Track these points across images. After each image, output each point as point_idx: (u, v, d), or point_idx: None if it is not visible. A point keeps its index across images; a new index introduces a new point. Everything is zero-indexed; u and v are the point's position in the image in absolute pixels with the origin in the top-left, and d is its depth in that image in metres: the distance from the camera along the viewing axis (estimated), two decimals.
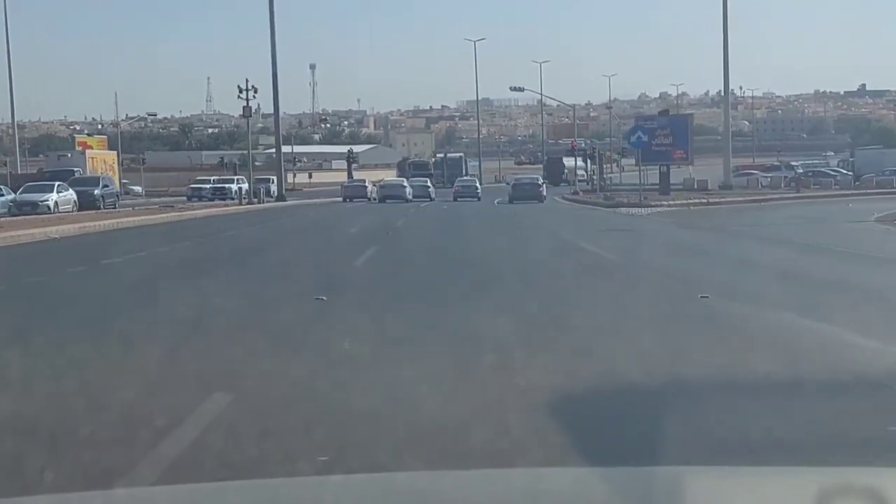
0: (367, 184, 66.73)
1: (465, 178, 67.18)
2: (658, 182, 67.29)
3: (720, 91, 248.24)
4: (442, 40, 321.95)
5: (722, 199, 50.00)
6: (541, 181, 58.05)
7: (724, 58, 64.92)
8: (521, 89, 70.19)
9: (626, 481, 3.18)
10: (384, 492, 3.21)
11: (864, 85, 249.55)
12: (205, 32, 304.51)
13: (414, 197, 61.56)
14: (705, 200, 48.02)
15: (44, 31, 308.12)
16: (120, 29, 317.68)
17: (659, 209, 43.36)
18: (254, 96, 54.66)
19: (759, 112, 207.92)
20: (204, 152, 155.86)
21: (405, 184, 62.72)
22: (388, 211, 45.56)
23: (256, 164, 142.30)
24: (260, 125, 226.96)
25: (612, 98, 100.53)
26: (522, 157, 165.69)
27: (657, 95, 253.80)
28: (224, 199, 57.82)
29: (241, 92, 54.38)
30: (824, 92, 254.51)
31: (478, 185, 64.79)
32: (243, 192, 56.86)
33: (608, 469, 4.21)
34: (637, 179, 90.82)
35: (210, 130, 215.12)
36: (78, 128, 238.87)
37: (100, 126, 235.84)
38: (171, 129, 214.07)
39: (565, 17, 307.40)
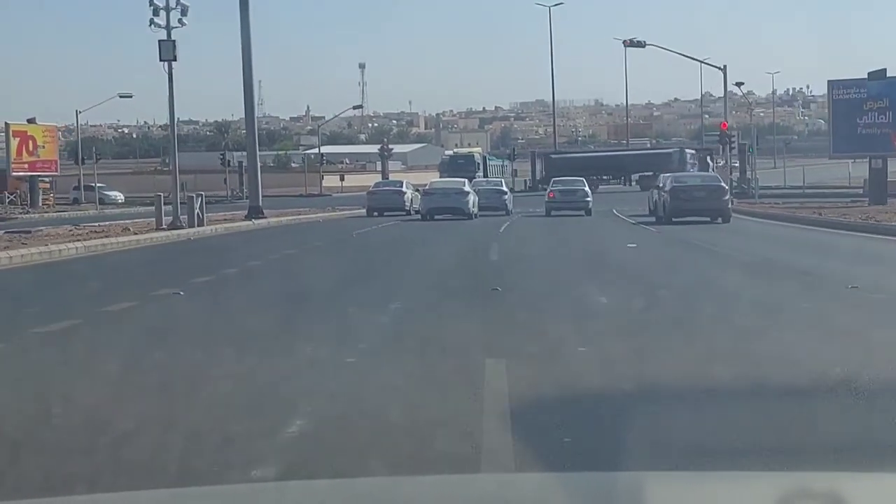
0: (404, 188, 39.36)
1: (564, 178, 39.48)
2: (867, 185, 39.11)
3: (789, 90, 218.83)
4: (498, 42, 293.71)
5: None
6: (723, 183, 30.12)
7: None
8: (641, 44, 43.04)
9: (590, 487, 3.00)
10: (346, 499, 2.96)
11: None
12: (258, 37, 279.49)
13: (480, 209, 34.55)
14: None
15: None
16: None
17: None
18: (180, 20, 26.50)
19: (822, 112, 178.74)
20: (237, 153, 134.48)
21: (465, 188, 34.96)
22: (432, 255, 18.51)
23: (293, 165, 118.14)
24: (309, 128, 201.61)
25: (701, 85, 77.12)
26: None
27: (721, 95, 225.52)
28: None
29: (156, 14, 26.12)
30: None
31: (588, 190, 36.68)
32: None
33: (573, 474, 3.91)
34: (777, 180, 63.53)
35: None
36: (126, 130, 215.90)
37: (148, 129, 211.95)
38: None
39: (626, 16, 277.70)
